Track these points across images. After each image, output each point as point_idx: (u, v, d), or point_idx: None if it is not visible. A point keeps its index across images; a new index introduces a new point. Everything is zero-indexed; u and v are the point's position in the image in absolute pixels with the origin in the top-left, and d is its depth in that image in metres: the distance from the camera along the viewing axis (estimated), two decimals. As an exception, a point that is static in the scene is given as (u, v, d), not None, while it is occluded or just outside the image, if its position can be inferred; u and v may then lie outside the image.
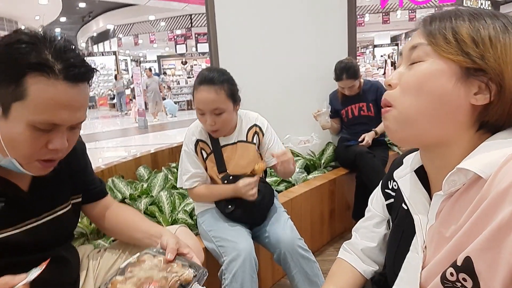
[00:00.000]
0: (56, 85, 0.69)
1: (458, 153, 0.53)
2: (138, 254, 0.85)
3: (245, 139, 1.54)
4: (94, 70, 0.78)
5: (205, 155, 1.50)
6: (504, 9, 13.86)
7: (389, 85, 0.58)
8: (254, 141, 1.56)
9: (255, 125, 1.56)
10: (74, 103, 0.74)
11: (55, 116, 0.71)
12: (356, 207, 2.47)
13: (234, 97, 1.42)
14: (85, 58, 0.76)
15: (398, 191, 0.72)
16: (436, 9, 14.31)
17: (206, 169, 1.51)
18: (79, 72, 0.72)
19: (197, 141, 1.50)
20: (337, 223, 2.45)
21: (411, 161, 0.66)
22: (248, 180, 1.37)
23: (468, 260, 0.44)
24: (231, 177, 1.47)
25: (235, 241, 1.33)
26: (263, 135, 1.57)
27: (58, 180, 0.93)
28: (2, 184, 0.80)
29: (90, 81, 0.78)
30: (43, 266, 0.70)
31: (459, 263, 0.46)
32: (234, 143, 1.52)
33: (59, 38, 0.74)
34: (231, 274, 1.26)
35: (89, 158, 1.07)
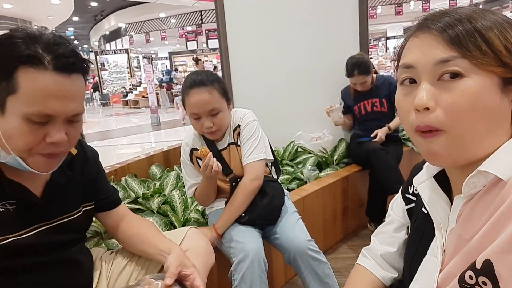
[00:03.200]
0: (45, 75, 0.70)
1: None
2: (138, 279, 0.88)
3: (233, 141, 1.52)
4: (87, 61, 0.78)
5: (201, 163, 1.47)
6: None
7: (426, 108, 0.51)
8: (239, 142, 1.52)
9: (239, 125, 1.51)
10: (66, 93, 0.73)
11: (47, 107, 0.71)
12: (370, 204, 2.44)
13: (226, 95, 1.42)
14: (79, 52, 0.76)
15: (419, 195, 0.71)
16: (451, 0, 13.96)
17: None
18: (68, 62, 0.72)
19: (191, 150, 1.51)
20: (350, 221, 2.43)
21: (430, 167, 0.65)
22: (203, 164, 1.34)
23: (488, 263, 0.43)
24: (238, 179, 1.47)
25: (243, 242, 1.33)
26: (238, 134, 1.51)
27: (70, 187, 0.94)
28: (14, 188, 0.81)
29: (85, 74, 0.79)
30: None
31: (478, 266, 0.44)
32: (226, 147, 1.52)
33: (50, 32, 0.75)
34: (239, 275, 1.26)
35: (102, 166, 1.07)
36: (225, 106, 1.41)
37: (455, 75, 0.49)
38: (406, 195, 0.77)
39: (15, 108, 0.70)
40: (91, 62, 0.82)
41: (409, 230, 0.72)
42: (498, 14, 0.52)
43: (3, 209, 0.79)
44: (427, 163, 0.68)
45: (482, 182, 0.50)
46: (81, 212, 0.97)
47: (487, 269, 0.43)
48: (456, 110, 0.49)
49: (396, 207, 0.80)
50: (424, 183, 0.65)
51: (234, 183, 1.47)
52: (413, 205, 0.74)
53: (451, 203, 0.58)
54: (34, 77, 0.69)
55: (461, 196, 0.54)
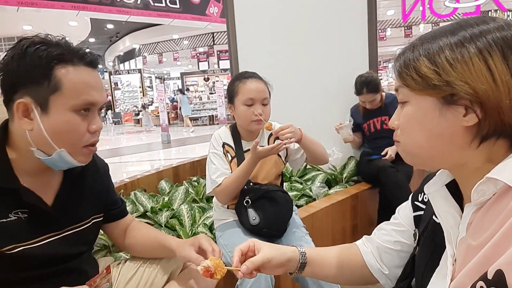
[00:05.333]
0: (81, 70, 0.79)
1: (476, 166, 0.54)
2: None
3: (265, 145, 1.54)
4: (98, 57, 0.86)
5: (230, 158, 1.52)
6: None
7: (393, 127, 0.63)
8: None
9: None
10: (98, 84, 0.83)
11: (90, 95, 0.80)
12: (380, 222, 2.39)
13: (270, 95, 1.53)
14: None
15: (428, 203, 0.72)
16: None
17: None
18: (91, 59, 0.82)
19: (223, 144, 1.54)
20: (360, 239, 2.38)
21: (442, 175, 0.65)
22: (267, 147, 1.36)
23: (499, 274, 0.42)
24: (251, 184, 1.48)
25: None
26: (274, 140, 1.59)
27: (81, 198, 0.95)
28: (28, 196, 0.81)
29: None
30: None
31: (489, 276, 0.43)
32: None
33: (52, 36, 0.82)
34: None
35: (111, 179, 1.10)
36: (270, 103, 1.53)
37: (403, 102, 0.59)
38: (416, 202, 0.77)
39: (60, 104, 0.76)
40: (100, 55, 0.91)
41: (418, 238, 0.71)
42: (466, 31, 0.52)
43: (16, 218, 0.80)
44: (439, 172, 0.68)
45: (491, 189, 0.50)
46: (91, 223, 0.98)
47: (499, 279, 0.42)
48: (402, 128, 0.60)
49: (403, 212, 0.80)
50: (435, 192, 0.65)
51: (245, 186, 1.47)
52: (421, 212, 0.74)
53: (462, 212, 0.58)
54: (74, 73, 0.78)
55: (471, 204, 0.54)
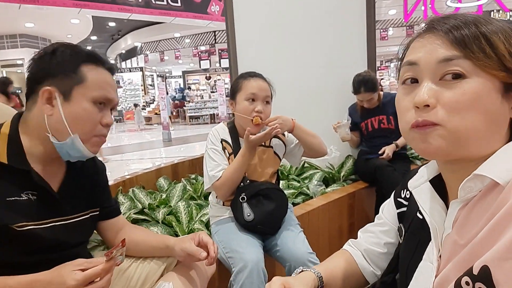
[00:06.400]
0: (103, 71, 0.93)
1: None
2: None
3: (263, 144, 1.57)
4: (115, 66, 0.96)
5: (227, 155, 1.54)
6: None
7: (427, 105, 0.52)
8: (272, 144, 1.60)
9: None
10: (114, 86, 0.96)
11: (108, 92, 0.93)
12: (376, 222, 2.41)
13: (272, 98, 1.57)
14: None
15: (411, 200, 0.72)
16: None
17: None
18: (111, 66, 0.97)
19: (222, 140, 1.56)
20: (356, 237, 2.39)
21: (426, 171, 0.65)
22: (258, 134, 1.41)
23: (485, 269, 0.42)
24: (248, 181, 1.49)
25: (243, 251, 1.33)
26: (283, 134, 1.63)
27: (82, 190, 1.01)
28: (38, 179, 0.87)
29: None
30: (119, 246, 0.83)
31: (475, 272, 0.44)
32: None
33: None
34: (238, 285, 1.25)
35: (107, 178, 1.17)
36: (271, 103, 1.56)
37: (457, 76, 0.50)
38: (398, 199, 0.77)
39: (82, 94, 0.88)
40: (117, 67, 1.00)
41: (403, 234, 0.72)
42: (503, 21, 0.52)
43: (26, 198, 0.86)
44: (422, 167, 0.68)
45: (478, 186, 0.51)
46: (88, 216, 1.03)
47: (485, 275, 0.42)
48: (456, 107, 0.50)
49: (387, 210, 0.80)
50: (419, 188, 0.65)
51: (242, 183, 1.49)
52: (404, 209, 0.74)
53: (447, 208, 0.58)
54: (97, 72, 0.92)
55: (457, 201, 0.54)
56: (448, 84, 0.51)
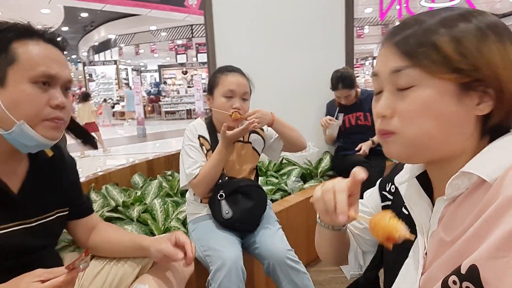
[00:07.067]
0: (41, 44, 0.80)
1: (466, 159, 0.52)
2: None
3: (241, 139, 1.54)
4: (64, 40, 0.85)
5: (205, 151, 1.50)
6: (506, 22, 13.95)
7: (385, 115, 0.54)
8: (250, 139, 1.57)
9: None
10: (60, 59, 0.82)
11: (50, 67, 0.79)
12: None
13: (251, 93, 1.53)
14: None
15: (396, 195, 0.71)
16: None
17: None
18: (51, 36, 0.83)
19: (199, 136, 1.52)
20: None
21: (411, 167, 0.65)
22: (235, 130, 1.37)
23: (473, 268, 0.42)
24: (226, 178, 1.47)
25: (221, 249, 1.30)
26: (262, 129, 1.61)
27: (47, 189, 0.93)
28: None
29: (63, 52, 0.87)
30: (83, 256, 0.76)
31: (463, 271, 0.43)
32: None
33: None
34: (216, 284, 1.23)
35: (78, 174, 1.08)
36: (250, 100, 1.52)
37: (409, 85, 0.52)
38: (383, 192, 0.76)
39: (18, 75, 0.76)
40: (66, 41, 0.90)
41: None
42: (477, 19, 0.50)
43: None
44: (408, 164, 0.68)
45: (465, 184, 0.50)
46: (54, 216, 0.95)
47: (473, 274, 0.42)
48: (409, 116, 0.52)
49: (373, 200, 0.79)
50: (406, 184, 0.64)
51: (220, 180, 1.46)
52: (389, 203, 0.74)
53: (433, 205, 0.58)
54: (32, 46, 0.78)
55: (444, 198, 0.54)
56: (401, 93, 0.53)
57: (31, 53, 0.78)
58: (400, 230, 0.52)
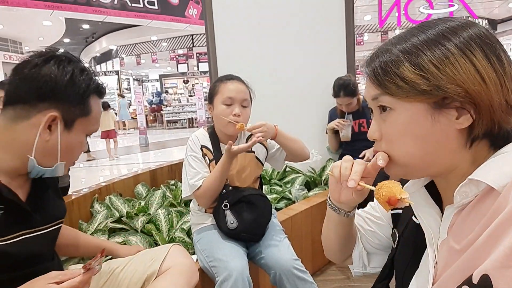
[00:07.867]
0: (99, 102, 0.93)
1: (465, 169, 0.53)
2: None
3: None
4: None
5: (208, 161, 1.49)
6: (501, 28, 14.03)
7: (375, 139, 0.58)
8: (253, 149, 1.56)
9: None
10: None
11: (98, 124, 0.94)
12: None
13: (251, 100, 1.53)
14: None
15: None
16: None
17: None
18: (104, 91, 0.95)
19: (202, 146, 1.51)
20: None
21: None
22: (240, 146, 1.36)
23: (485, 278, 0.41)
24: (230, 188, 1.46)
25: (227, 260, 1.29)
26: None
27: (49, 200, 0.96)
28: (4, 191, 0.81)
29: None
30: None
31: (475, 281, 0.42)
32: None
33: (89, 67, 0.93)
34: None
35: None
36: (250, 107, 1.52)
37: (386, 108, 0.55)
38: None
39: (83, 127, 0.88)
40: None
41: (397, 240, 0.70)
42: (447, 39, 0.51)
43: None
44: None
45: (474, 191, 0.50)
46: (58, 227, 0.98)
47: (485, 284, 0.41)
48: (391, 138, 0.56)
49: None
50: (415, 193, 0.64)
51: (224, 190, 1.45)
52: (400, 211, 0.74)
53: (442, 213, 0.58)
54: (98, 104, 0.92)
55: (453, 207, 0.53)
56: (383, 117, 0.56)
57: (97, 111, 0.91)
58: (404, 194, 0.55)
